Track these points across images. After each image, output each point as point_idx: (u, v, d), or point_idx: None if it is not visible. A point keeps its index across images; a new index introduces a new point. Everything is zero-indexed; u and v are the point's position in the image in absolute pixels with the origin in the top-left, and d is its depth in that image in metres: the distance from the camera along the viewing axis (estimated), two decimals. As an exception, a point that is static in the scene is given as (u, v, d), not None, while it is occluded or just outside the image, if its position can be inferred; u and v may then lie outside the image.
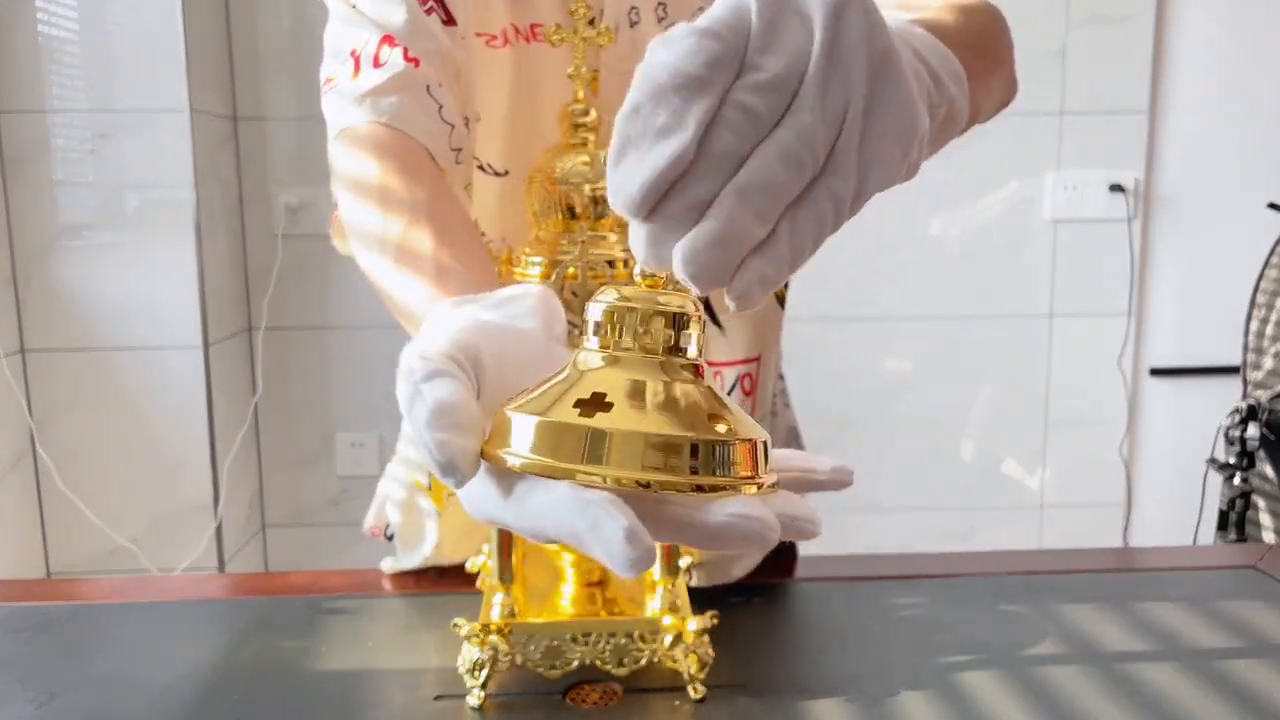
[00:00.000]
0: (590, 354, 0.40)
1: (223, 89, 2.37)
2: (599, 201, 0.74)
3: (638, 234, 0.38)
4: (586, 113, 0.76)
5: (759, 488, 0.39)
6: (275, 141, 2.42)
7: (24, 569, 2.17)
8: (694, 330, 0.40)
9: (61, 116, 2.10)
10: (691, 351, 0.40)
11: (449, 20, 0.81)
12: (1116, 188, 2.53)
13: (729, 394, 0.93)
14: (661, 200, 0.37)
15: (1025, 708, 0.74)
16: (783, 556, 1.11)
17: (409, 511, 0.98)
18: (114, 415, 2.21)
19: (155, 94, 2.10)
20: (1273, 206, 2.13)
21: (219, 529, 2.26)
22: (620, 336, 0.40)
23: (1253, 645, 0.84)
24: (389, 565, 1.01)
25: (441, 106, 0.75)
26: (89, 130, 2.11)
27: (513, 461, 0.38)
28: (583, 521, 0.36)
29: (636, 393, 0.38)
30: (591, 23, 0.78)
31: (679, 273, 0.37)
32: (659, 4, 0.86)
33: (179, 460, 2.23)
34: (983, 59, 0.58)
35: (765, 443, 0.40)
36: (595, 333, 0.40)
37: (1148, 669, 0.80)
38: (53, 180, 2.12)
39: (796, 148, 0.36)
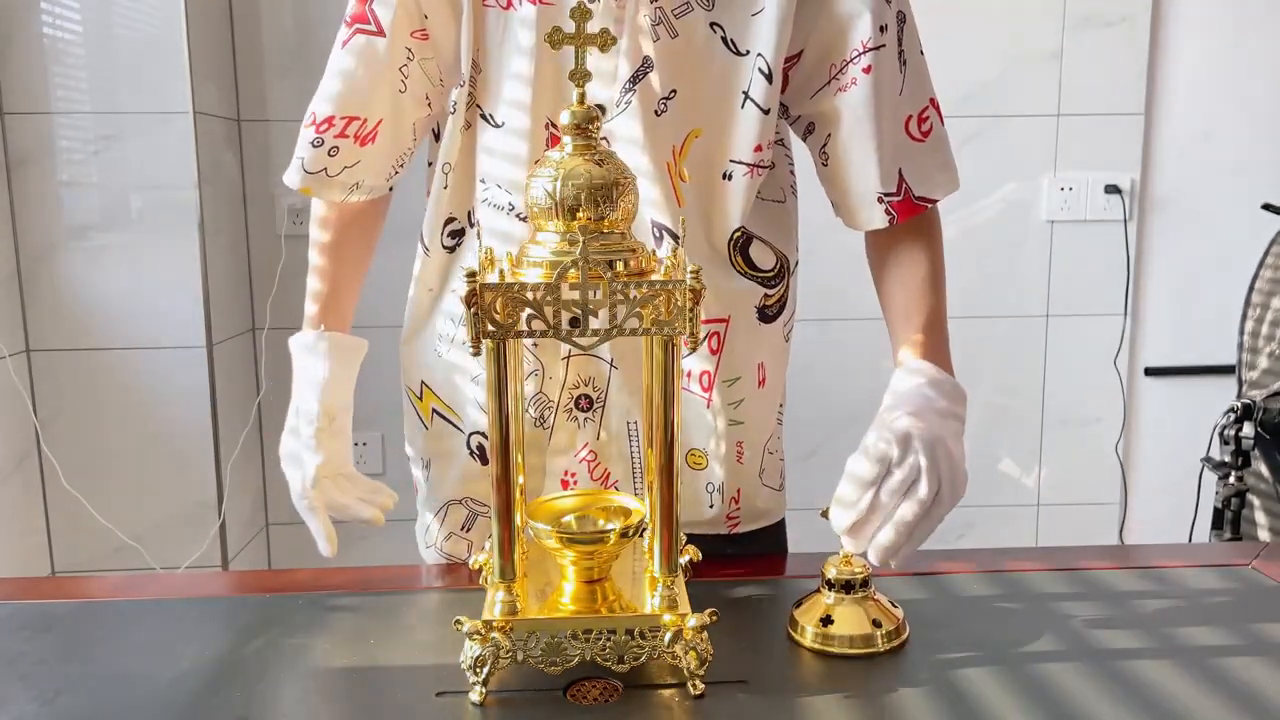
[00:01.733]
0: None
1: (226, 91, 2.37)
2: (599, 202, 0.75)
3: (850, 547, 0.85)
4: (589, 117, 0.77)
5: None
6: (278, 143, 2.43)
7: (29, 567, 2.18)
8: None
9: (66, 118, 2.11)
10: None
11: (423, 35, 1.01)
12: (1112, 189, 2.53)
13: (695, 350, 0.99)
14: (856, 530, 0.84)
15: (1022, 704, 0.75)
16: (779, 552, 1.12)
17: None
18: (118, 415, 2.21)
19: (159, 96, 2.11)
20: (1267, 208, 2.13)
21: (222, 527, 2.27)
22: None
23: (1247, 642, 0.85)
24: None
25: (358, 184, 1.08)
26: (93, 132, 2.12)
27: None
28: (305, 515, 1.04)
29: None
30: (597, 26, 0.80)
31: (870, 559, 0.84)
32: None
33: (183, 459, 2.23)
34: (944, 299, 1.04)
35: None
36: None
37: (1143, 666, 0.81)
38: (57, 181, 2.13)
39: (917, 506, 0.82)
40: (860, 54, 0.99)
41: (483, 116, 1.01)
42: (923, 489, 0.82)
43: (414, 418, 1.11)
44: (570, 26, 0.79)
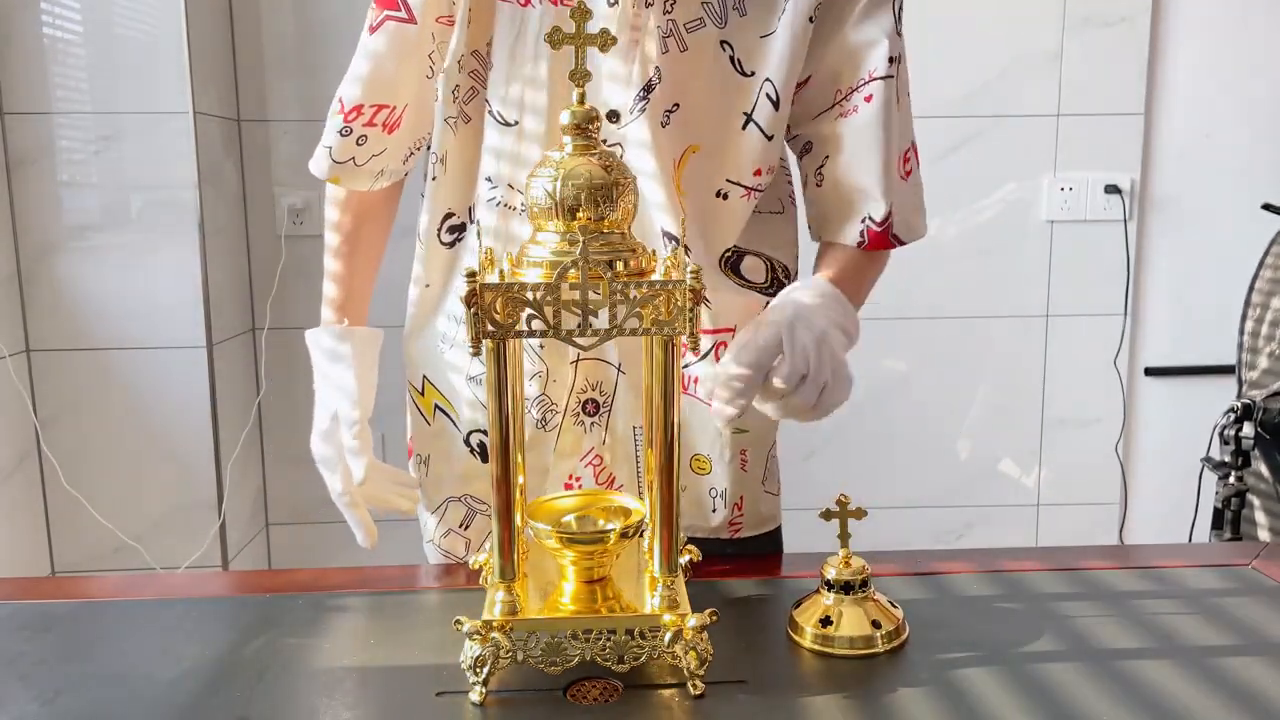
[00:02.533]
0: None
1: (226, 91, 2.37)
2: (599, 202, 0.75)
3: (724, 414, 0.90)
4: (589, 117, 0.77)
5: None
6: (278, 143, 2.43)
7: (29, 567, 2.18)
8: None
9: (66, 118, 2.11)
10: None
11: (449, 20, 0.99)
12: (1112, 189, 2.54)
13: (705, 358, 1.02)
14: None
15: (1022, 704, 0.75)
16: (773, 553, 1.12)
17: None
18: (118, 415, 2.21)
19: (159, 96, 2.11)
20: (1267, 208, 2.13)
21: (222, 527, 2.27)
22: None
23: (1247, 642, 0.85)
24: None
25: (382, 170, 1.07)
26: (93, 132, 2.12)
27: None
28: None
29: None
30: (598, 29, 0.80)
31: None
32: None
33: (183, 459, 2.24)
34: (867, 285, 1.06)
35: None
36: None
37: (1143, 666, 0.81)
38: (57, 181, 2.13)
39: (805, 398, 0.88)
40: (866, 82, 0.99)
41: (490, 114, 1.00)
42: (810, 387, 0.88)
43: (416, 413, 1.11)
44: (571, 27, 0.78)
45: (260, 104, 2.43)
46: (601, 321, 0.73)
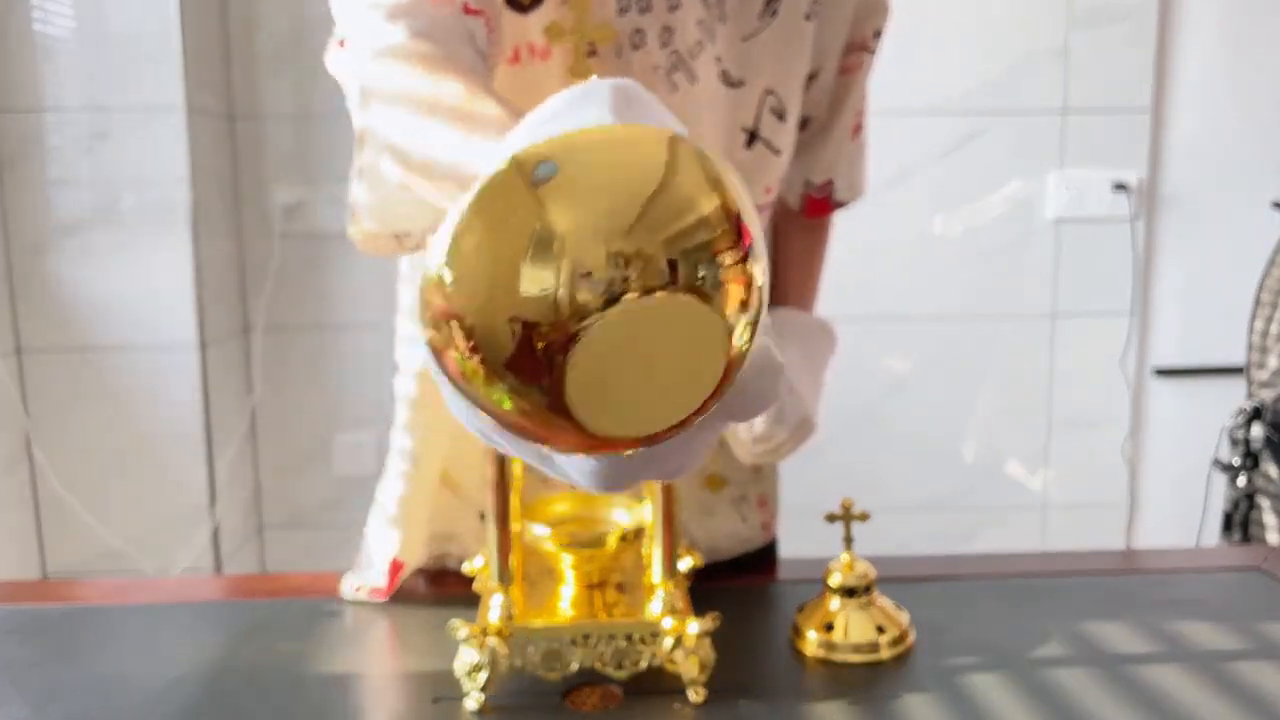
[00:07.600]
0: None
1: (219, 87, 2.36)
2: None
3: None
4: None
5: None
6: (272, 140, 2.41)
7: (20, 570, 2.16)
8: None
9: (57, 115, 2.09)
10: None
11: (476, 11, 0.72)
12: (1120, 187, 2.52)
13: None
14: None
15: (1029, 710, 0.74)
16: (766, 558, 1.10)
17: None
18: (110, 416, 2.20)
19: (151, 92, 2.09)
20: (1277, 206, 2.12)
21: (216, 530, 2.25)
22: None
23: (1257, 647, 0.84)
24: (350, 588, 0.97)
25: (475, 34, 0.69)
26: (85, 129, 2.10)
27: None
28: None
29: None
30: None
31: None
32: (663, 28, 0.83)
33: (175, 461, 2.22)
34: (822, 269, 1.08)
35: None
36: None
37: (1152, 671, 0.80)
38: (48, 179, 2.11)
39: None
40: (848, 53, 0.95)
41: None
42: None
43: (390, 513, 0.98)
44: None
45: (254, 100, 2.42)
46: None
